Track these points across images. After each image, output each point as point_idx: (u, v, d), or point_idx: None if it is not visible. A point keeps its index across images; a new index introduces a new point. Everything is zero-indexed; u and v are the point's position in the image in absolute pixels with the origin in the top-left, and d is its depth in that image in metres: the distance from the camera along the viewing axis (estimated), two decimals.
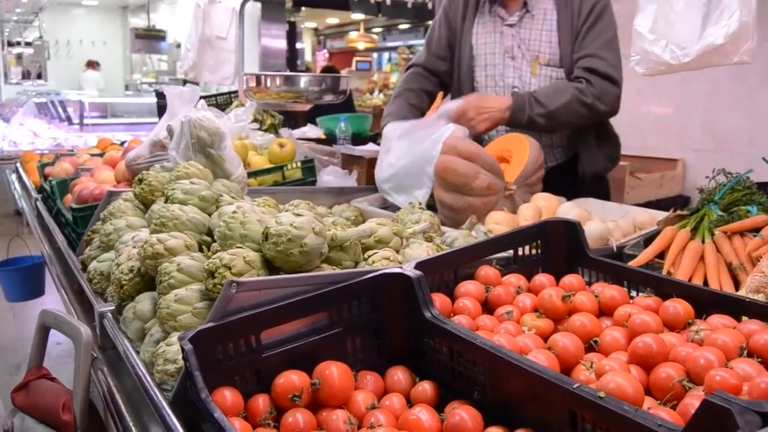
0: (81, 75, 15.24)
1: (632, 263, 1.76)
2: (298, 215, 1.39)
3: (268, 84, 2.92)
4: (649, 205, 2.71)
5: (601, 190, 2.75)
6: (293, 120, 4.63)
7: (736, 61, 2.05)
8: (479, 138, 2.70)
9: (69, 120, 8.02)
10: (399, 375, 1.28)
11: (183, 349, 1.10)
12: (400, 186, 2.38)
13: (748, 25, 2.03)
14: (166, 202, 1.77)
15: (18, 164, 4.28)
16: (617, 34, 2.57)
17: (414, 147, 2.32)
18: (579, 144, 2.68)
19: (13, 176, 4.32)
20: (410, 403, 1.22)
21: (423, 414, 1.11)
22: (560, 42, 2.58)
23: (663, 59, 2.17)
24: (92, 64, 15.43)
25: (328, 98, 3.06)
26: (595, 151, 2.70)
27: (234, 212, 1.48)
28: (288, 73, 4.17)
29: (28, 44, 14.06)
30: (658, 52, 2.16)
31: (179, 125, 2.12)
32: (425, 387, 1.23)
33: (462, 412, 1.10)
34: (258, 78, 2.95)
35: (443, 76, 2.93)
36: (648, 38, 2.18)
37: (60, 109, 8.20)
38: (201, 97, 4.18)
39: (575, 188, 2.59)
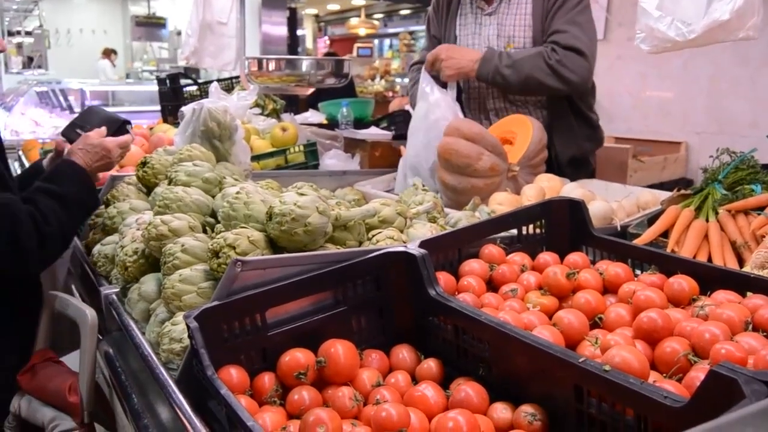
0: (98, 63, 15.15)
1: (636, 242, 1.76)
2: (302, 195, 1.39)
3: (270, 67, 2.90)
4: (652, 188, 2.69)
5: (582, 176, 2.66)
6: (294, 106, 4.61)
7: (742, 36, 2.04)
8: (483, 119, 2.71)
9: (70, 108, 7.99)
10: (404, 353, 1.28)
11: (189, 327, 1.10)
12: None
13: (754, 0, 2.01)
14: (169, 184, 1.77)
15: (20, 152, 4.28)
16: (589, 12, 2.57)
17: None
18: (555, 124, 2.65)
19: (16, 164, 4.32)
20: (415, 380, 1.22)
21: (428, 390, 1.11)
22: (533, 25, 2.61)
23: (668, 36, 2.15)
24: (109, 53, 15.37)
25: (330, 81, 3.04)
26: (573, 132, 2.68)
27: (238, 193, 1.48)
28: (290, 56, 4.15)
29: (28, 33, 14.01)
30: (663, 29, 2.14)
31: (190, 111, 2.11)
32: (430, 364, 1.23)
33: (467, 388, 1.10)
34: (260, 61, 2.93)
35: None
36: (653, 15, 2.17)
37: (61, 98, 8.17)
38: (202, 83, 4.18)
39: (552, 173, 2.56)
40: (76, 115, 2.38)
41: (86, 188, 1.88)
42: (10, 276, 1.72)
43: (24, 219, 1.61)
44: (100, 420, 1.65)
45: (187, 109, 2.15)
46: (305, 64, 2.91)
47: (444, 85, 2.59)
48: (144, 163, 1.98)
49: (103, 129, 2.02)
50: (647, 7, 2.18)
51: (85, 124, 2.12)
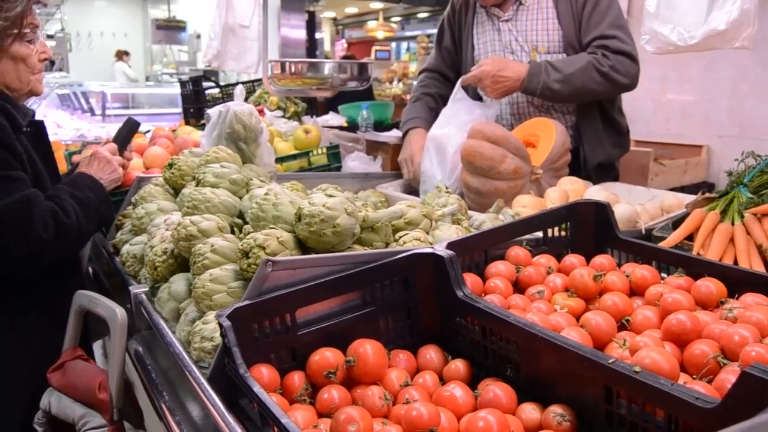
0: (114, 66, 15.28)
1: (662, 245, 1.75)
2: (331, 196, 1.41)
3: (293, 70, 2.92)
4: (673, 191, 2.68)
5: (607, 180, 2.63)
6: (313, 109, 4.63)
7: (737, 46, 2.10)
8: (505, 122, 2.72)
9: (92, 111, 8.08)
10: (431, 354, 1.29)
11: (221, 326, 1.12)
12: None
13: (750, 12, 2.07)
14: (197, 185, 1.80)
15: None
16: (621, 10, 2.57)
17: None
18: (584, 131, 2.65)
19: None
20: (443, 381, 1.23)
21: (457, 390, 1.12)
22: (561, 28, 2.58)
23: (670, 40, 2.22)
24: (120, 55, 15.52)
25: (352, 85, 3.06)
26: (601, 139, 2.67)
27: (266, 194, 1.50)
28: (313, 59, 4.18)
29: (50, 37, 14.17)
30: (666, 33, 2.21)
31: (216, 114, 2.14)
32: (458, 365, 1.24)
33: (496, 389, 1.11)
34: (282, 64, 2.95)
35: (455, 80, 2.88)
36: (657, 20, 2.23)
37: (83, 101, 8.26)
38: (224, 86, 4.21)
39: (579, 177, 2.55)
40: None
41: (102, 198, 2.01)
42: (28, 265, 1.80)
43: (43, 213, 1.73)
44: (128, 417, 1.67)
45: (213, 112, 2.17)
46: (328, 67, 2.93)
47: (479, 97, 2.60)
48: (171, 165, 2.01)
49: (112, 145, 2.23)
50: (652, 11, 2.24)
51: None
